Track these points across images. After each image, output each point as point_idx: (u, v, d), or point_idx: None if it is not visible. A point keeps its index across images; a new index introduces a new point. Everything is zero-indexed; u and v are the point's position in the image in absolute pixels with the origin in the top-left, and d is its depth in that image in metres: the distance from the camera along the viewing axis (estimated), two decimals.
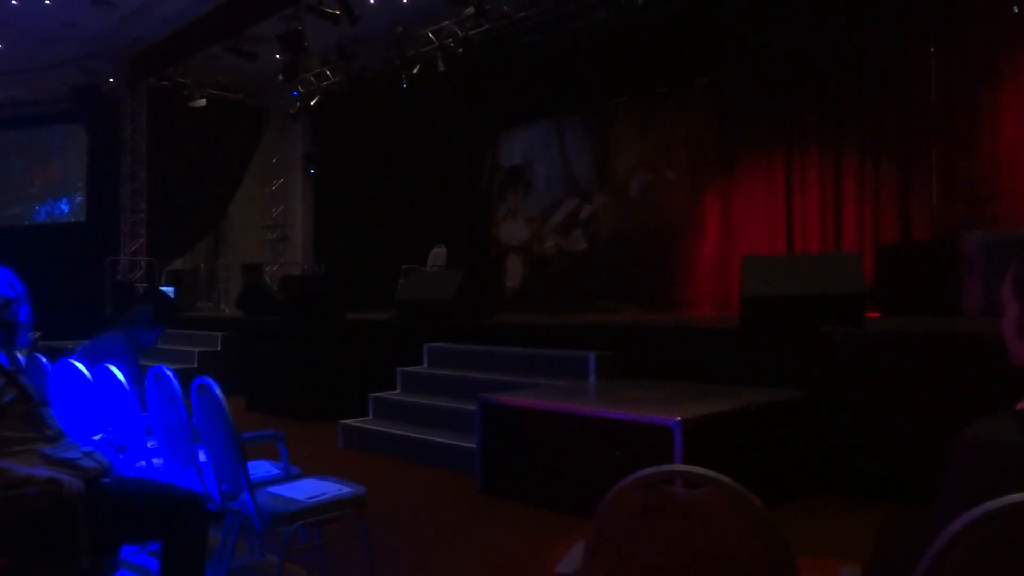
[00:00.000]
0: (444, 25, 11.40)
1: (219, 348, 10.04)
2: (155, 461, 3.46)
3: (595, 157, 11.23)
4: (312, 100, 13.75)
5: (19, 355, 4.90)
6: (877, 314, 7.03)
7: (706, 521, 1.39)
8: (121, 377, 3.31)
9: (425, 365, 7.09)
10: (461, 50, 11.26)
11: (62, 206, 15.53)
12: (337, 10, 10.06)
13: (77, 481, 2.27)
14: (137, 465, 3.41)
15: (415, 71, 11.84)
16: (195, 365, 9.55)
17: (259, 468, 3.28)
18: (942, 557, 1.13)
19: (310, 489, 2.93)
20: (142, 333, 4.30)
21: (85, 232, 14.68)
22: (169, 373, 3.09)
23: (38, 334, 6.03)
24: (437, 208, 12.78)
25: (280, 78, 12.68)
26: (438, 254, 11.04)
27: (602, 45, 10.46)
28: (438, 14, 11.23)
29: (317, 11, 10.13)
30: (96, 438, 3.23)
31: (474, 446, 5.12)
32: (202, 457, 3.06)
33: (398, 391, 6.93)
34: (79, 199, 15.26)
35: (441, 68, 11.57)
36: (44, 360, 4.10)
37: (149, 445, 3.46)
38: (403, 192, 13.39)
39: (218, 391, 2.75)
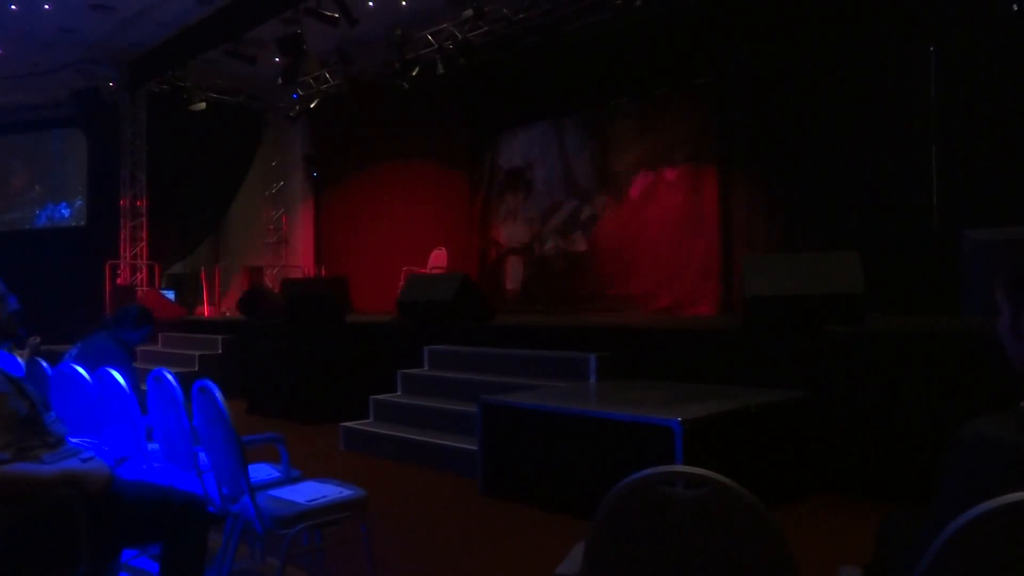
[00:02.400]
0: (443, 27, 11.40)
1: (220, 351, 10.05)
2: (156, 465, 3.46)
3: (595, 158, 11.23)
4: (312, 103, 13.77)
5: (20, 360, 4.92)
6: (877, 313, 7.02)
7: (707, 522, 1.39)
8: (121, 380, 3.31)
9: (426, 367, 7.09)
10: (460, 52, 11.27)
11: (62, 210, 15.54)
12: (336, 13, 10.07)
13: (104, 473, 2.31)
14: (138, 468, 3.41)
15: (414, 73, 11.85)
16: (196, 368, 9.55)
17: (260, 471, 3.28)
18: (942, 556, 1.13)
19: (311, 492, 2.93)
20: (128, 333, 4.24)
21: (86, 236, 14.69)
22: (169, 376, 3.09)
23: (38, 339, 6.03)
24: (437, 210, 12.78)
25: (279, 81, 12.69)
26: (438, 256, 11.05)
27: (601, 46, 10.46)
28: (437, 16, 11.24)
29: (316, 14, 10.14)
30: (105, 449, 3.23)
31: (475, 448, 5.12)
32: (203, 460, 3.06)
33: (399, 393, 6.93)
34: (79, 203, 15.27)
35: (440, 70, 11.58)
36: (44, 364, 4.10)
37: (150, 448, 3.46)
38: (403, 194, 13.39)
39: (219, 394, 2.75)
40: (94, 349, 4.02)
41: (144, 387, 3.37)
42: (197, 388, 2.85)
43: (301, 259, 15.59)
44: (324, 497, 2.88)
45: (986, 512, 1.11)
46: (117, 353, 4.03)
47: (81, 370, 3.55)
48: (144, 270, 13.76)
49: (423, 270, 10.91)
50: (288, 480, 3.23)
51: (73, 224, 15.21)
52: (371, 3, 10.86)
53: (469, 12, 10.53)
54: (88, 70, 13.28)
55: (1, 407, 2.29)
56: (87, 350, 4.02)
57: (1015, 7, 7.12)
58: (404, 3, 11.00)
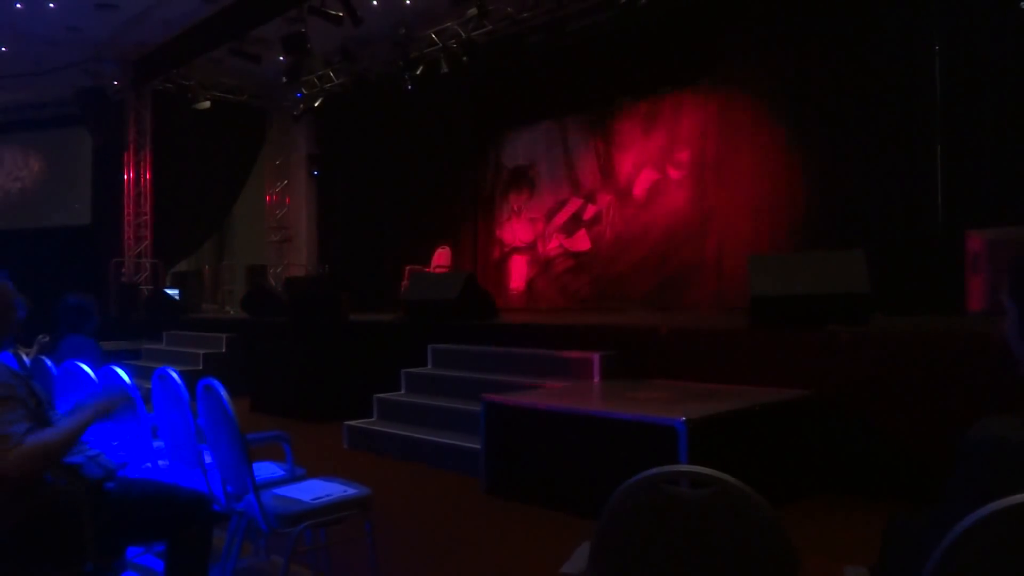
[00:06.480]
0: (447, 26, 11.41)
1: (224, 350, 10.06)
2: (160, 462, 3.47)
3: (598, 157, 11.22)
4: (316, 102, 13.78)
5: (25, 358, 4.93)
6: (882, 313, 7.00)
7: (711, 521, 1.39)
8: (126, 378, 3.32)
9: (429, 366, 7.09)
10: (464, 51, 11.28)
11: (67, 209, 15.58)
12: (340, 12, 10.08)
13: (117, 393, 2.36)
14: (143, 466, 3.42)
15: (418, 72, 11.86)
16: (200, 367, 9.56)
17: (264, 469, 3.28)
18: (950, 556, 1.13)
19: (315, 490, 2.93)
20: (87, 323, 4.21)
21: (90, 235, 14.74)
22: (174, 375, 3.10)
23: (47, 337, 6.04)
24: (441, 209, 12.79)
25: (284, 80, 12.71)
26: (442, 255, 11.04)
27: (605, 45, 10.45)
28: (441, 15, 11.25)
29: (320, 13, 10.15)
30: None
31: (478, 447, 5.11)
32: (207, 458, 3.07)
33: (402, 392, 6.93)
34: (84, 202, 15.31)
35: (444, 69, 11.59)
36: (49, 362, 4.11)
37: (155, 446, 3.47)
38: (407, 193, 13.40)
39: (223, 392, 2.75)
40: (74, 350, 4.00)
41: (148, 385, 3.38)
42: (202, 386, 2.86)
43: (305, 258, 15.61)
44: (328, 495, 2.88)
45: (994, 512, 1.10)
46: (88, 346, 4.03)
47: (86, 368, 3.55)
48: (148, 268, 13.79)
49: (427, 269, 10.91)
50: (292, 478, 3.23)
51: (78, 222, 15.25)
52: (375, 2, 10.86)
53: (473, 11, 10.53)
54: (93, 69, 13.31)
55: (14, 394, 2.30)
56: (67, 354, 3.99)
57: (1021, 5, 7.09)
58: (408, 2, 11.00)
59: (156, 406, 3.33)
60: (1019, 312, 1.43)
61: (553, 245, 11.77)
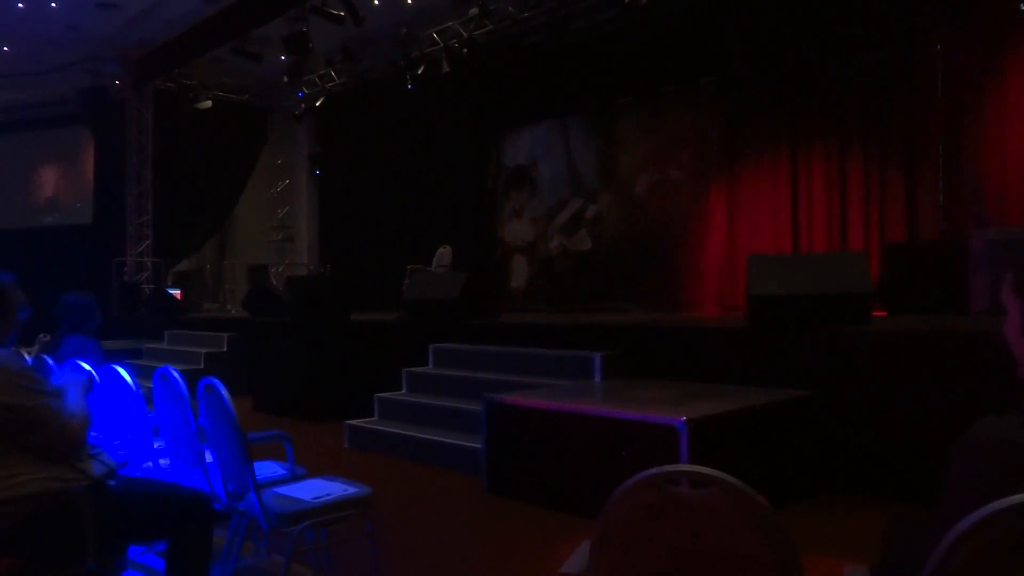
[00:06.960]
0: (448, 26, 11.41)
1: (225, 349, 10.07)
2: (161, 461, 3.47)
3: (600, 157, 11.22)
4: (317, 101, 13.79)
5: (27, 356, 4.93)
6: (884, 313, 7.00)
7: (712, 521, 1.39)
8: (128, 377, 3.32)
9: (430, 365, 7.10)
10: (465, 51, 11.28)
11: (69, 208, 15.59)
12: (342, 11, 10.09)
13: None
14: (144, 465, 3.43)
15: (420, 72, 11.86)
16: (201, 366, 9.57)
17: (265, 468, 3.28)
18: (949, 556, 1.13)
19: (316, 489, 2.94)
20: (90, 323, 4.24)
21: (91, 234, 14.74)
22: (175, 374, 3.10)
23: (48, 337, 6.05)
24: (442, 208, 12.80)
25: (285, 79, 12.72)
26: (443, 254, 11.04)
27: (606, 45, 10.45)
28: (442, 15, 11.25)
29: (322, 13, 10.16)
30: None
31: (479, 446, 5.12)
32: (208, 457, 3.07)
33: (403, 391, 6.94)
34: (85, 201, 15.32)
35: (446, 69, 11.59)
36: (50, 361, 4.11)
37: (156, 445, 3.47)
38: (408, 192, 13.41)
39: (224, 392, 2.75)
40: (75, 349, 4.01)
41: (149, 384, 3.39)
42: (203, 386, 2.86)
43: (306, 257, 15.62)
44: (329, 495, 2.88)
45: (994, 512, 1.10)
46: (94, 348, 4.05)
47: (87, 367, 3.55)
48: (150, 268, 13.81)
49: (428, 268, 10.90)
50: (293, 477, 3.24)
51: (79, 222, 15.26)
52: (377, 1, 10.87)
53: (474, 10, 10.53)
54: (95, 68, 13.33)
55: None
56: (68, 353, 4.00)
57: (1021, 6, 7.09)
58: (410, 1, 11.01)
59: (157, 405, 3.33)
60: (1020, 312, 1.43)
61: (554, 245, 11.77)
